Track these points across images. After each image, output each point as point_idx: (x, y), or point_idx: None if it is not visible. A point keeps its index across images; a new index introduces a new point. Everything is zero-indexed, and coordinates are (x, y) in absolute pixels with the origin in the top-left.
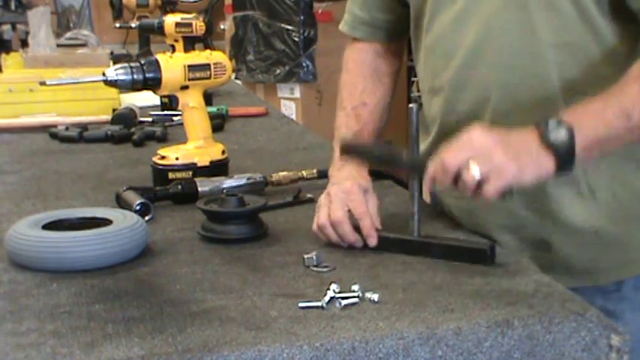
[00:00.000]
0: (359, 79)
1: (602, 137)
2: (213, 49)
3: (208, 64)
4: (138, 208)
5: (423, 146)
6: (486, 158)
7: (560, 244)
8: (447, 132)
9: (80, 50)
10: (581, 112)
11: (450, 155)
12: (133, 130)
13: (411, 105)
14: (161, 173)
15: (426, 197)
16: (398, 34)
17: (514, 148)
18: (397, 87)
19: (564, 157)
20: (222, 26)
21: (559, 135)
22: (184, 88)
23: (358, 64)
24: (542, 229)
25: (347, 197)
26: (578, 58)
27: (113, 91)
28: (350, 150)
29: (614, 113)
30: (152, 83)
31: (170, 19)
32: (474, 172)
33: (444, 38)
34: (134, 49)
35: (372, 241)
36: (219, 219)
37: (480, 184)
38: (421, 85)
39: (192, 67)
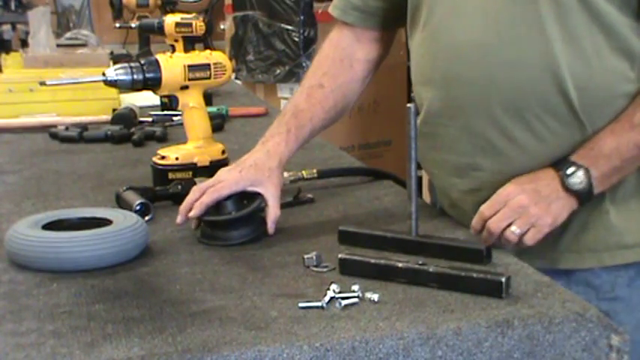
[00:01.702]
0: (326, 60)
1: (618, 168)
2: (213, 49)
3: (208, 64)
4: (138, 208)
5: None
6: (524, 217)
7: (569, 220)
8: (448, 125)
9: (80, 50)
10: (596, 153)
11: (493, 221)
12: (132, 130)
13: (409, 105)
14: (161, 173)
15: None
16: (391, 22)
17: (545, 200)
18: (397, 86)
19: (585, 196)
20: (222, 26)
21: (577, 180)
22: (184, 88)
23: (332, 46)
24: None
25: (219, 177)
26: (585, 52)
27: (113, 91)
28: (348, 262)
29: (627, 148)
30: (152, 83)
31: (170, 19)
32: (515, 232)
33: (448, 30)
34: (134, 49)
35: (194, 212)
36: (218, 227)
37: (521, 238)
38: (415, 76)
39: (192, 67)
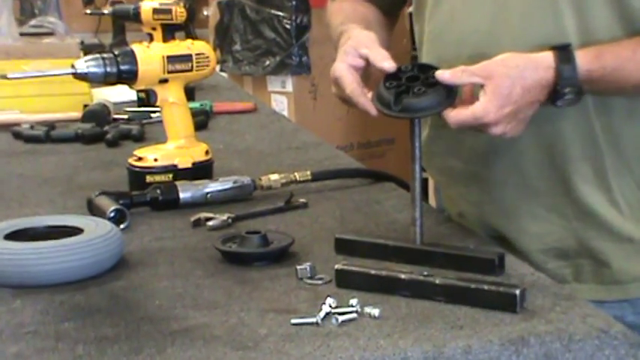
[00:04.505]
0: (347, 3)
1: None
2: (195, 38)
3: (190, 55)
4: (112, 215)
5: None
6: (513, 118)
7: (591, 249)
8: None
9: (46, 40)
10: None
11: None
12: (106, 128)
13: None
14: (138, 176)
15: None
16: (394, 7)
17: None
18: None
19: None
20: (205, 12)
21: (565, 103)
22: (163, 81)
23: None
24: (572, 233)
25: (354, 51)
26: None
27: (84, 85)
28: (345, 274)
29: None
30: (127, 76)
31: (147, 5)
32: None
33: (455, 22)
34: (107, 39)
35: (389, 66)
36: (240, 260)
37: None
38: None
39: (171, 59)
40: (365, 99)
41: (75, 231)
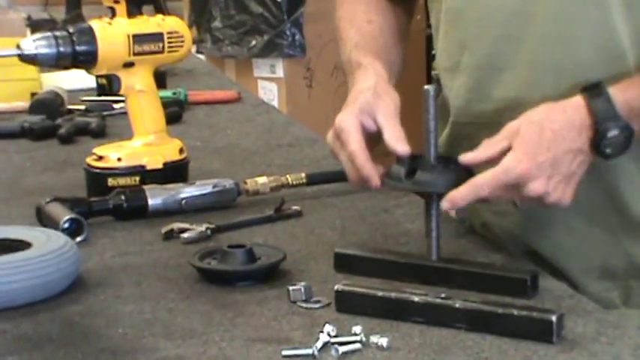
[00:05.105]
0: (360, 3)
1: None
2: (166, 13)
3: (160, 34)
4: (66, 225)
5: (440, 138)
6: (554, 171)
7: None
8: (478, 125)
9: None
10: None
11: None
12: (58, 121)
13: (427, 87)
14: (98, 179)
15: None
16: None
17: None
18: (412, 61)
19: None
20: None
21: (614, 148)
22: (128, 65)
23: None
24: (619, 249)
25: (371, 110)
26: None
27: (32, 69)
28: (347, 296)
29: None
30: (85, 59)
31: None
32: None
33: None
34: (59, 13)
35: (402, 149)
36: (221, 280)
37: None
38: (440, 61)
39: (138, 38)
40: (370, 165)
41: (21, 245)
